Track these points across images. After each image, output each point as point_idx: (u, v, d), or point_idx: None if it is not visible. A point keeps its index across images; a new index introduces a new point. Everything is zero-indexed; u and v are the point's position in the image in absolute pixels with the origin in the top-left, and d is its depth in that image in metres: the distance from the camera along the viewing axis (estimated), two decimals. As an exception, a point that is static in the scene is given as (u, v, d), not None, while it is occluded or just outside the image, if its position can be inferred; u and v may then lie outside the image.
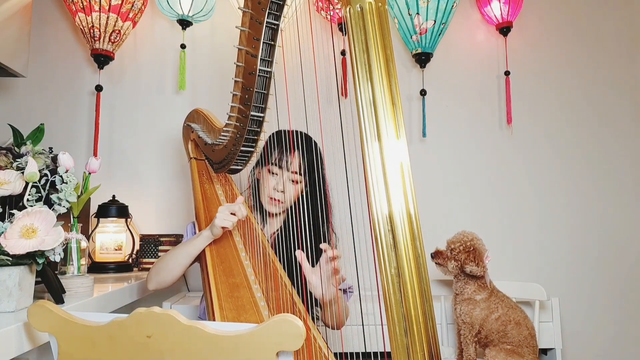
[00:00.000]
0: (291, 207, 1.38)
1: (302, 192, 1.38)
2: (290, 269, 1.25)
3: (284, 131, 1.38)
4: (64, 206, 1.07)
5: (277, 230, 1.41)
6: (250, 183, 1.49)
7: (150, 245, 1.87)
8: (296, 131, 1.37)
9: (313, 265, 1.17)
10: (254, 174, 1.47)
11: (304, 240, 1.23)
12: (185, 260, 1.26)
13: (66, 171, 1.11)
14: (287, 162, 1.35)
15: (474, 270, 1.53)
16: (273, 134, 1.37)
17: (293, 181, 1.37)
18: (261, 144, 1.29)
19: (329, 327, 1.23)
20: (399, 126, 0.69)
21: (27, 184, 1.01)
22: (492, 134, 2.16)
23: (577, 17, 2.22)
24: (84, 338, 0.75)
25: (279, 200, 1.37)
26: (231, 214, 1.21)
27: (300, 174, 1.36)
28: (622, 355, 2.07)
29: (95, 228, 1.79)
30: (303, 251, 1.14)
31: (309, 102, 1.13)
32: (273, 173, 1.37)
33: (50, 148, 1.46)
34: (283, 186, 1.35)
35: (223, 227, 1.21)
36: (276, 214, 1.42)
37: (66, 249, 1.19)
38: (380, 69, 0.70)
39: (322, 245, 1.10)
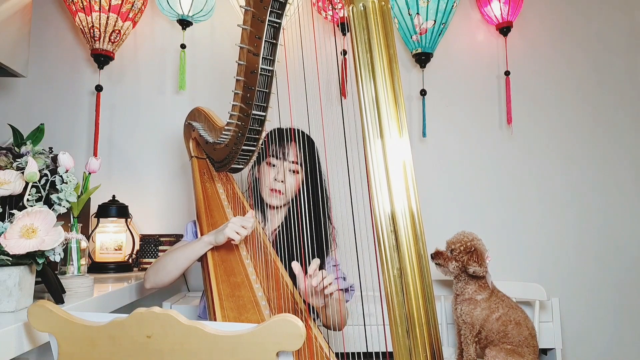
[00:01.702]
0: (292, 201, 1.39)
1: (301, 186, 1.38)
2: (291, 267, 1.24)
3: (279, 129, 1.39)
4: (64, 206, 1.07)
5: (278, 227, 1.41)
6: (249, 183, 1.50)
7: (150, 245, 1.86)
8: (291, 128, 1.38)
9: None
10: (253, 173, 1.48)
11: (305, 237, 1.22)
12: (185, 264, 1.26)
13: (66, 171, 1.11)
14: (285, 152, 1.37)
15: (477, 271, 1.53)
16: (269, 132, 1.38)
17: (292, 171, 1.39)
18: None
19: (329, 329, 1.23)
20: (401, 124, 0.69)
21: (27, 184, 1.01)
22: (492, 134, 2.16)
23: (577, 17, 2.22)
24: (84, 338, 0.74)
25: (279, 191, 1.38)
26: (242, 227, 1.20)
27: (298, 163, 1.38)
28: (622, 355, 2.07)
29: (95, 228, 1.79)
30: (305, 251, 1.14)
31: (311, 100, 1.13)
32: (272, 165, 1.39)
33: (50, 148, 1.46)
34: (283, 176, 1.36)
35: (230, 238, 1.21)
36: (277, 207, 1.42)
37: (66, 249, 1.19)
38: (384, 68, 0.69)
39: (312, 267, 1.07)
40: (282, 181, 1.37)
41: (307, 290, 1.08)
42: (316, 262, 1.06)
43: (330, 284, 1.04)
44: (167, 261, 1.28)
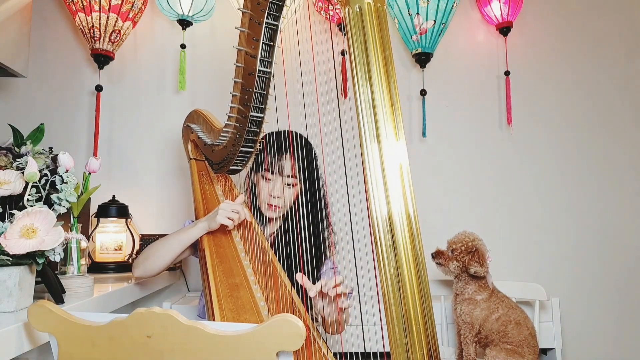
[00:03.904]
0: (290, 208, 1.38)
1: (300, 191, 1.38)
2: (289, 269, 1.25)
3: (276, 133, 1.37)
4: (64, 206, 1.07)
5: (276, 230, 1.41)
6: (247, 187, 1.49)
7: (150, 245, 1.86)
8: (288, 132, 1.36)
9: (314, 265, 1.17)
10: (250, 179, 1.47)
11: (303, 240, 1.23)
12: (178, 248, 1.27)
13: (66, 171, 1.11)
14: (280, 166, 1.34)
15: (478, 271, 1.53)
16: (265, 136, 1.36)
17: (288, 185, 1.36)
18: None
19: (328, 333, 1.23)
20: (398, 127, 0.69)
21: (27, 184, 1.01)
22: (492, 134, 2.16)
23: (577, 17, 2.22)
24: (84, 338, 0.75)
25: (277, 206, 1.36)
26: (233, 211, 1.23)
27: (295, 176, 1.36)
28: (622, 355, 2.07)
29: (95, 228, 1.79)
30: (302, 254, 1.14)
31: (309, 102, 1.13)
32: (267, 179, 1.36)
33: (50, 148, 1.46)
34: (279, 191, 1.35)
35: (222, 224, 1.23)
36: (275, 218, 1.41)
37: (66, 249, 1.19)
38: (380, 70, 0.70)
39: (304, 281, 1.04)
40: (277, 197, 1.35)
41: (321, 302, 1.05)
42: (304, 277, 1.03)
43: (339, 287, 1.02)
44: (160, 246, 1.28)
